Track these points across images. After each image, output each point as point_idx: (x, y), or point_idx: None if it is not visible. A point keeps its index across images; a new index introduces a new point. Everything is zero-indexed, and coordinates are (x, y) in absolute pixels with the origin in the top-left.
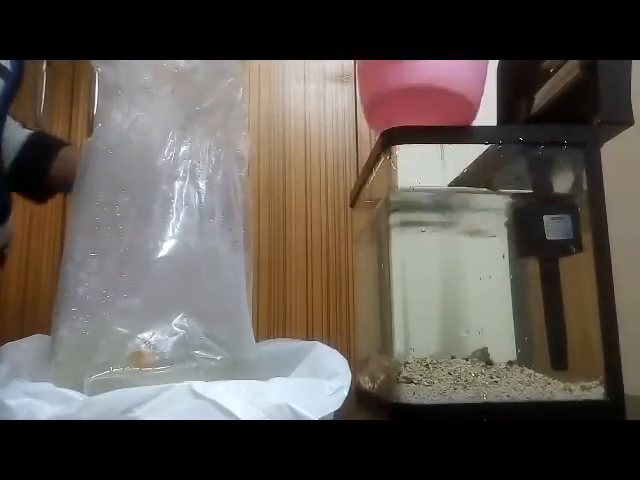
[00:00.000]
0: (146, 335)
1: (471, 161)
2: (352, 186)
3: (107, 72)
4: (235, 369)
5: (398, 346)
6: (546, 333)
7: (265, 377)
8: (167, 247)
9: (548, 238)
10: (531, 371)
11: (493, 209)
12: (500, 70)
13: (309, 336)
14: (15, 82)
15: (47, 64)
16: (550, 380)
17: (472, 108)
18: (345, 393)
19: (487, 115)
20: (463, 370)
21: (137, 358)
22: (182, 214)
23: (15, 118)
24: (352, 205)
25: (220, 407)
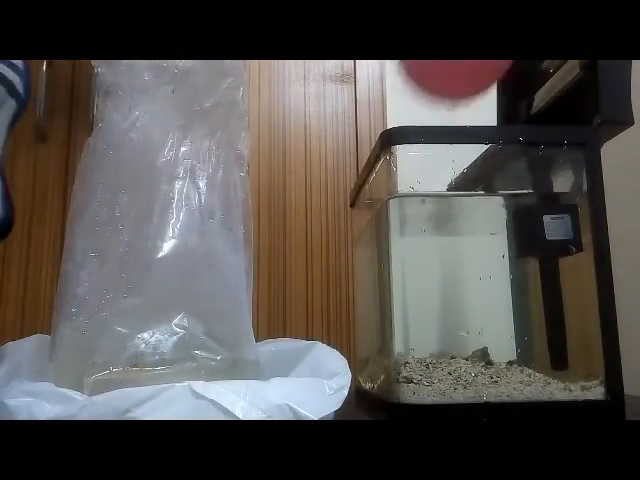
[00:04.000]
0: (146, 335)
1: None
2: (352, 186)
3: (107, 72)
4: (235, 369)
5: (398, 346)
6: (546, 333)
7: (265, 377)
8: (167, 247)
9: (548, 238)
10: (531, 371)
11: (493, 209)
12: None
13: (309, 336)
14: (24, 105)
15: (47, 64)
16: (550, 380)
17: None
18: (345, 393)
19: (487, 115)
20: (463, 370)
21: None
22: (182, 214)
23: None
24: (352, 205)
25: (220, 407)
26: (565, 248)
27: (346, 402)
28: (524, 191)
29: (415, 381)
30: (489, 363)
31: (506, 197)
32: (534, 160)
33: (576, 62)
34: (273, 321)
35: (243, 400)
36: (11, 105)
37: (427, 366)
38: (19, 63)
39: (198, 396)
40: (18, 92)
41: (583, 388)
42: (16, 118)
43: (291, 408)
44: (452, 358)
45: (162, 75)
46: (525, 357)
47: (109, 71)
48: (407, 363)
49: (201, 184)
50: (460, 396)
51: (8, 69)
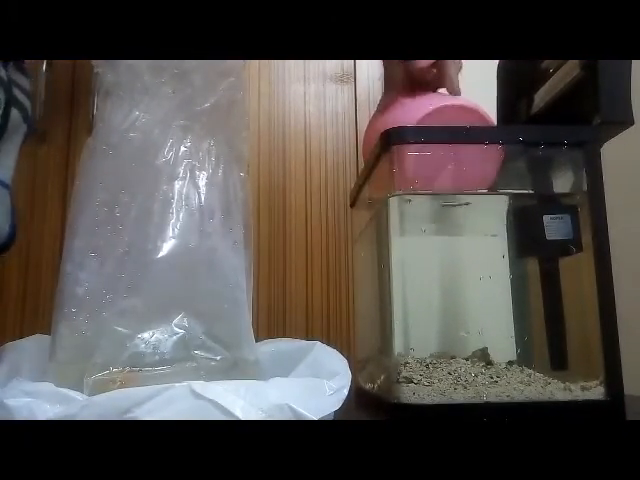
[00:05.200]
0: (146, 335)
1: None
2: (352, 186)
3: (107, 72)
4: (235, 369)
5: (398, 346)
6: (546, 333)
7: (265, 377)
8: (167, 247)
9: (548, 238)
10: (531, 371)
11: (493, 209)
12: (500, 70)
13: (309, 336)
14: (32, 129)
15: (47, 64)
16: (550, 380)
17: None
18: (345, 393)
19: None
20: (463, 370)
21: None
22: (182, 214)
23: None
24: (352, 205)
25: (220, 407)
26: (565, 248)
27: (346, 402)
28: (524, 191)
29: (415, 381)
30: (489, 363)
31: (506, 197)
32: (534, 160)
33: (576, 62)
34: (273, 321)
35: (243, 400)
36: (24, 129)
37: (427, 366)
38: (27, 85)
39: (198, 396)
40: (30, 117)
41: (583, 388)
42: (24, 140)
43: (291, 408)
44: (452, 358)
45: (162, 75)
46: (525, 357)
47: (109, 71)
48: (407, 363)
49: (201, 184)
50: (460, 396)
51: (22, 95)
